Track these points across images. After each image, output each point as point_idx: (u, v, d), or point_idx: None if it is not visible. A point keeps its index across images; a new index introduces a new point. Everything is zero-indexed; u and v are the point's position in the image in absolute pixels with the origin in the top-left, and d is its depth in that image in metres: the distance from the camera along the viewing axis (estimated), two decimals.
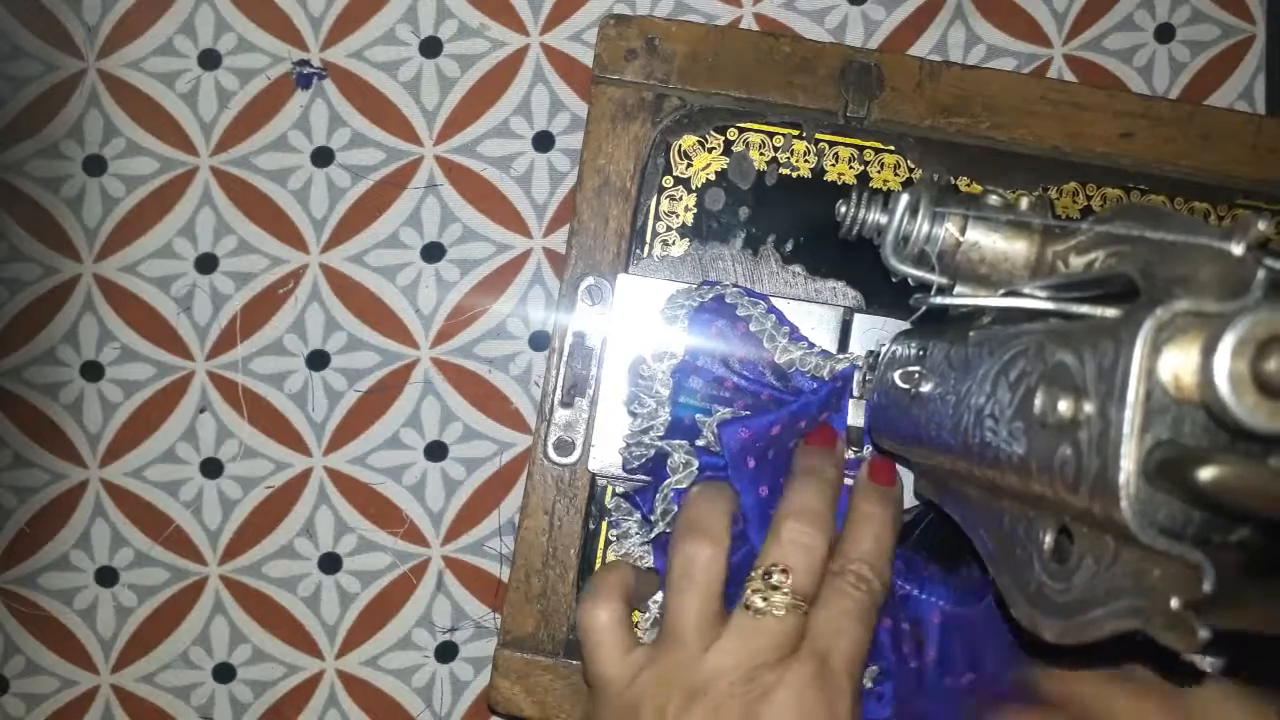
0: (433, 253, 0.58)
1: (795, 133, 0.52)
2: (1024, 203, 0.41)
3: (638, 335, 0.50)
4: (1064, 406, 0.29)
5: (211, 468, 0.58)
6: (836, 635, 0.42)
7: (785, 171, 0.52)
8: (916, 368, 0.41)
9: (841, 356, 0.48)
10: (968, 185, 0.52)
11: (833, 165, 0.52)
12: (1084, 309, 0.31)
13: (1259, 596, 0.25)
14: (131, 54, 0.57)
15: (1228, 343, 0.23)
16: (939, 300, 0.40)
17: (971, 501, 0.38)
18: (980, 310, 0.40)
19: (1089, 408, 0.27)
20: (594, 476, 0.51)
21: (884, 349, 0.46)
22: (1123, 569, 0.28)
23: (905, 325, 0.46)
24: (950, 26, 0.59)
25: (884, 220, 0.43)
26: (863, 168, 0.52)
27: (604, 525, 0.51)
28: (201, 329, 0.58)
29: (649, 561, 0.47)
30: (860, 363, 0.48)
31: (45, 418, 0.57)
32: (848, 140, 0.52)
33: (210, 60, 0.58)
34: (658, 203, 0.52)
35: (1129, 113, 0.52)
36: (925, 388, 0.40)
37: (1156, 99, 0.53)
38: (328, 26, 0.58)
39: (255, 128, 0.58)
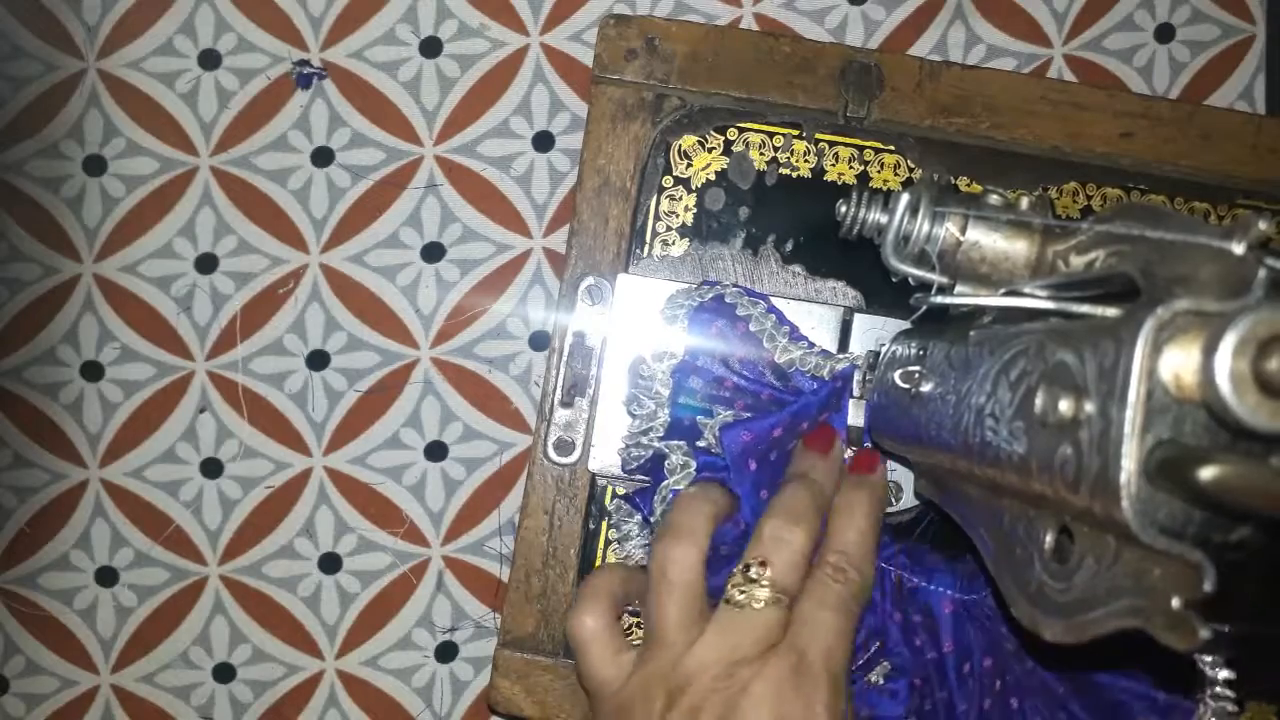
0: (433, 253, 0.58)
1: (795, 133, 0.52)
2: (1024, 202, 0.41)
3: (638, 335, 0.50)
4: (1065, 406, 0.29)
5: (211, 468, 0.58)
6: (814, 626, 0.42)
7: (785, 171, 0.52)
8: (917, 367, 0.41)
9: (841, 356, 0.48)
10: (968, 185, 0.52)
11: (833, 165, 0.52)
12: (1084, 308, 0.31)
13: (1260, 596, 0.25)
14: (131, 54, 0.57)
15: (1229, 342, 0.23)
16: (939, 300, 0.40)
17: (972, 501, 0.38)
18: (980, 310, 0.40)
19: (1090, 407, 0.27)
20: (594, 476, 0.51)
21: (884, 349, 0.46)
22: (1123, 568, 0.28)
23: (905, 325, 0.46)
24: (950, 26, 0.59)
25: (884, 220, 0.43)
26: (863, 168, 0.52)
27: (604, 525, 0.51)
28: (201, 329, 0.58)
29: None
30: (860, 362, 0.48)
31: (45, 418, 0.57)
32: (848, 140, 0.52)
33: (210, 60, 0.58)
34: (658, 203, 0.52)
35: (1129, 113, 0.52)
36: (925, 387, 0.40)
37: (1156, 99, 0.53)
38: (328, 26, 0.58)
39: (255, 128, 0.58)
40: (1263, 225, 0.27)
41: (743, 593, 0.42)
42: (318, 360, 0.58)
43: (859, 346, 0.50)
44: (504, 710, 0.51)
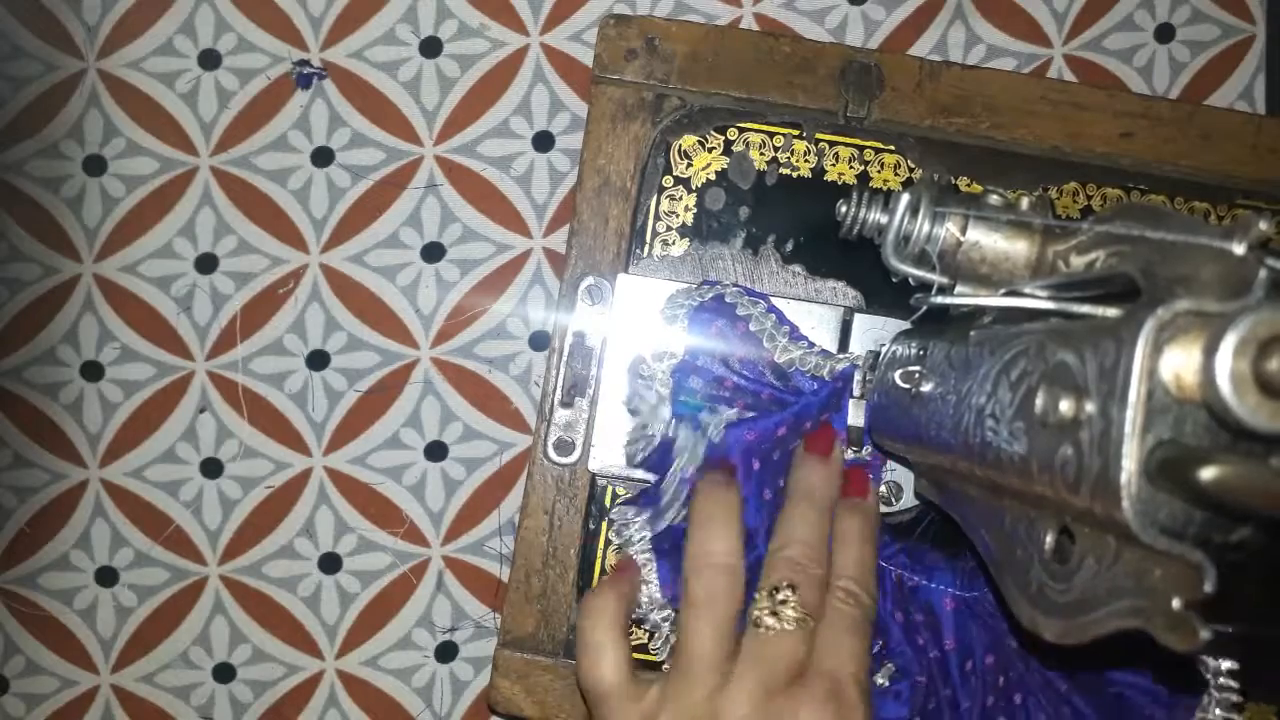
0: (433, 253, 0.58)
1: (795, 133, 0.52)
2: (1024, 203, 0.41)
3: (638, 335, 0.50)
4: (1065, 406, 0.29)
5: (211, 468, 0.58)
6: (839, 651, 0.42)
7: (785, 171, 0.52)
8: (917, 367, 0.41)
9: (841, 356, 0.48)
10: (968, 185, 0.52)
11: (833, 165, 0.52)
12: (1085, 309, 0.31)
13: (1260, 597, 0.25)
14: (131, 54, 0.57)
15: (1229, 342, 0.23)
16: (939, 300, 0.40)
17: (972, 501, 0.38)
18: (981, 310, 0.40)
19: (1090, 407, 0.27)
20: (594, 476, 0.51)
21: (884, 349, 0.46)
22: (1124, 569, 0.28)
23: (905, 325, 0.46)
24: (950, 26, 0.59)
25: (884, 220, 0.43)
26: (863, 168, 0.52)
27: (604, 525, 0.51)
28: (201, 329, 0.58)
29: (653, 568, 0.47)
30: (860, 362, 0.48)
31: (45, 418, 0.57)
32: (848, 140, 0.52)
33: (210, 60, 0.58)
34: (658, 203, 0.52)
35: (1129, 113, 0.52)
36: (926, 387, 0.40)
37: (1156, 99, 0.53)
38: (328, 26, 0.58)
39: (255, 128, 0.58)
40: (1263, 225, 0.27)
41: (772, 615, 0.42)
42: (318, 360, 0.58)
43: (859, 346, 0.50)
44: (504, 710, 0.51)
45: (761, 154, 0.52)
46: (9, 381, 0.57)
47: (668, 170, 0.52)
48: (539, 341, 0.58)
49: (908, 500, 0.49)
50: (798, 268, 0.52)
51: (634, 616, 0.48)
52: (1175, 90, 0.60)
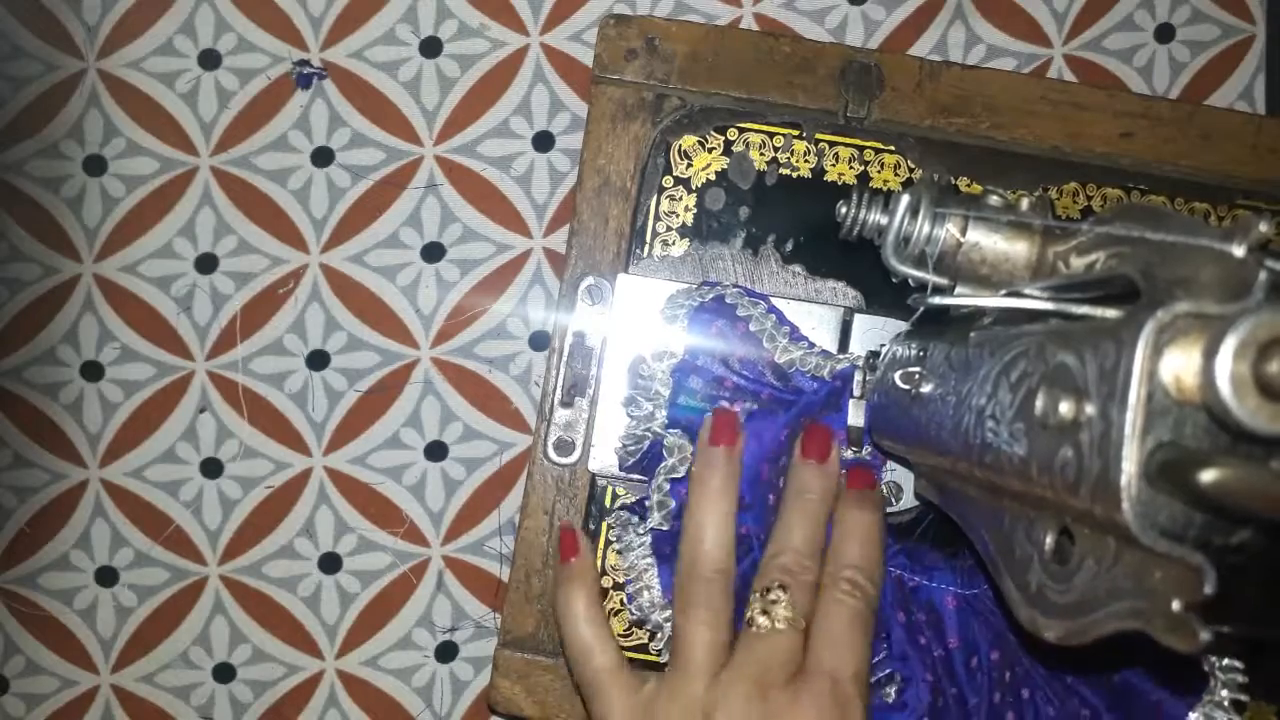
0: (433, 253, 0.58)
1: (795, 133, 0.52)
2: (1024, 203, 0.41)
3: (638, 335, 0.50)
4: (1065, 408, 0.29)
5: (211, 468, 0.58)
6: (838, 646, 0.43)
7: (785, 171, 0.52)
8: (917, 368, 0.41)
9: (841, 357, 0.48)
10: (968, 185, 0.52)
11: (833, 165, 0.52)
12: (1085, 310, 0.31)
13: (1260, 599, 0.25)
14: (131, 54, 0.57)
15: (1229, 345, 0.23)
16: (939, 301, 0.40)
17: (972, 502, 0.38)
18: (981, 311, 0.40)
19: (1090, 409, 0.27)
20: (594, 476, 0.51)
21: (884, 349, 0.46)
22: (1124, 570, 0.28)
23: (905, 326, 0.46)
24: (950, 26, 0.59)
25: (884, 221, 0.43)
26: (863, 168, 0.52)
27: (604, 525, 0.51)
28: (201, 329, 0.58)
29: (653, 573, 0.47)
30: (860, 363, 0.48)
31: (45, 418, 0.57)
32: (848, 140, 0.52)
33: (210, 60, 0.58)
34: (658, 203, 0.52)
35: (1129, 113, 0.52)
36: (926, 388, 0.40)
37: (1156, 99, 0.53)
38: (328, 26, 0.58)
39: (255, 128, 0.58)
40: (1263, 227, 0.27)
41: (765, 614, 0.43)
42: (318, 360, 0.58)
43: (859, 346, 0.50)
44: (504, 710, 0.51)
45: (761, 154, 0.52)
46: (9, 381, 0.57)
47: (668, 170, 0.52)
48: (539, 341, 0.58)
49: (908, 500, 0.49)
50: (798, 268, 0.52)
51: (634, 619, 0.48)
52: (1175, 90, 0.60)
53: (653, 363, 0.49)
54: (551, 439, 0.51)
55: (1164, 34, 0.60)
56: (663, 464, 0.48)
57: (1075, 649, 0.30)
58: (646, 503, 0.48)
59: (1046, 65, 0.60)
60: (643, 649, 0.50)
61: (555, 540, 0.51)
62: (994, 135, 0.52)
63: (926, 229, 0.41)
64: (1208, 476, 0.24)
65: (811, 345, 0.49)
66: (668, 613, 0.47)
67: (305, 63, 0.58)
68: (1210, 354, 0.23)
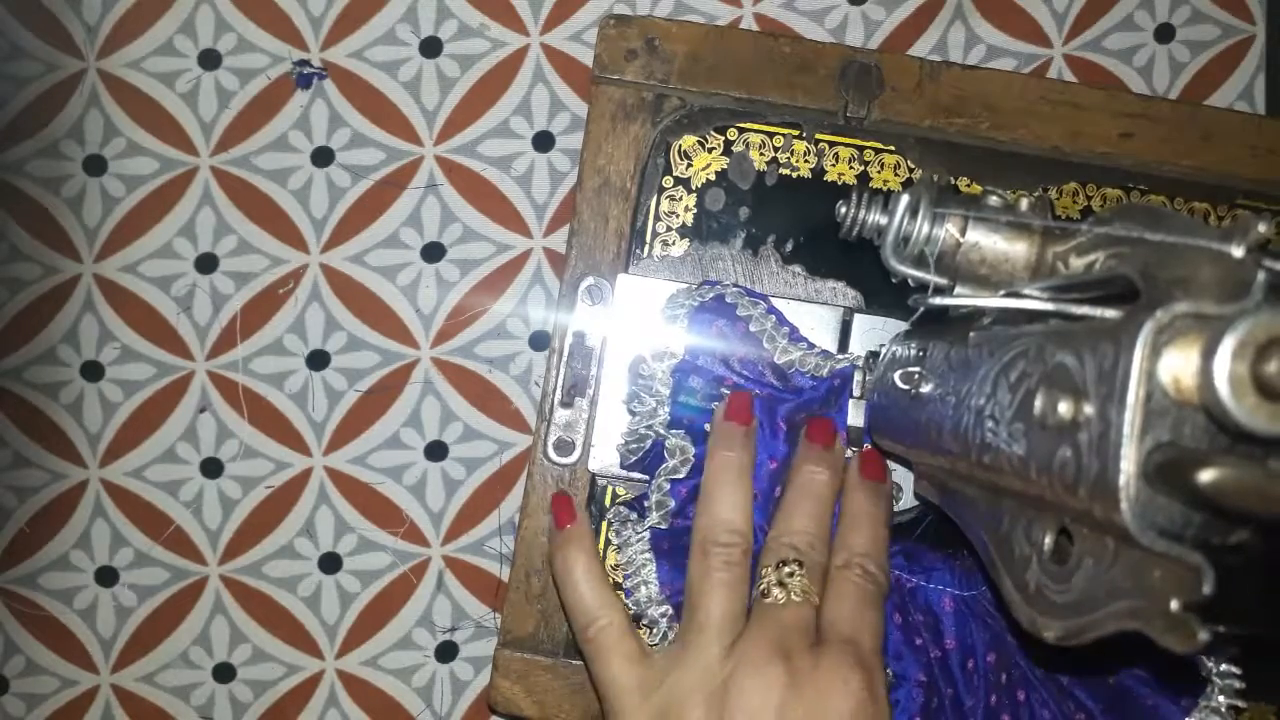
0: (433, 253, 0.58)
1: (795, 133, 0.52)
2: (1024, 203, 0.41)
3: (638, 335, 0.50)
4: (1064, 408, 0.29)
5: (211, 468, 0.58)
6: (859, 621, 0.42)
7: (785, 171, 0.52)
8: (916, 368, 0.41)
9: (841, 357, 0.48)
10: (968, 185, 0.52)
11: (833, 165, 0.52)
12: (1084, 310, 0.31)
13: (1259, 599, 0.25)
14: (131, 54, 0.57)
15: (1227, 345, 0.23)
16: (938, 301, 0.40)
17: (971, 502, 0.38)
18: (980, 311, 0.40)
19: (1089, 409, 0.27)
20: (594, 476, 0.51)
21: (884, 349, 0.46)
22: (1122, 570, 0.28)
23: (905, 325, 0.46)
24: (950, 26, 0.59)
25: (884, 221, 0.43)
26: (863, 168, 0.52)
27: (604, 525, 0.51)
28: (201, 329, 0.58)
29: (651, 569, 0.47)
30: (859, 363, 0.48)
31: (45, 418, 0.57)
32: (848, 140, 0.52)
33: (210, 60, 0.58)
34: (658, 203, 0.52)
35: (1129, 113, 0.52)
36: (925, 388, 0.40)
37: (1156, 99, 0.53)
38: (328, 26, 0.58)
39: (255, 128, 0.58)
40: (1262, 228, 0.27)
41: (780, 585, 0.43)
42: (318, 360, 0.58)
43: (859, 346, 0.50)
44: (504, 710, 0.51)
45: (761, 154, 0.52)
46: (9, 381, 0.57)
47: (668, 170, 0.52)
48: (539, 341, 0.58)
49: (907, 500, 0.49)
50: (797, 268, 0.52)
51: (632, 613, 0.48)
52: (1175, 90, 0.60)
53: (653, 362, 0.49)
54: (551, 439, 0.51)
55: (1164, 34, 0.60)
56: (664, 465, 0.48)
57: (1074, 651, 0.30)
58: (646, 501, 0.48)
59: (1046, 65, 0.60)
60: None
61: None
62: (994, 135, 0.52)
63: (926, 229, 0.41)
64: (1206, 477, 0.24)
65: (811, 346, 0.49)
66: (665, 607, 0.47)
67: (305, 63, 0.58)
68: (1208, 354, 0.23)
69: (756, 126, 0.52)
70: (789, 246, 0.52)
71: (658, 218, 0.52)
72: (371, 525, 0.58)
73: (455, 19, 0.58)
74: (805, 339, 0.49)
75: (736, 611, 0.43)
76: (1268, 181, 0.52)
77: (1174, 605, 0.25)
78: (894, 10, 0.59)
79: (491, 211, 0.58)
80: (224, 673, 0.58)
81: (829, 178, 0.52)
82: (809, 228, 0.52)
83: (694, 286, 0.50)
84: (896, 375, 0.42)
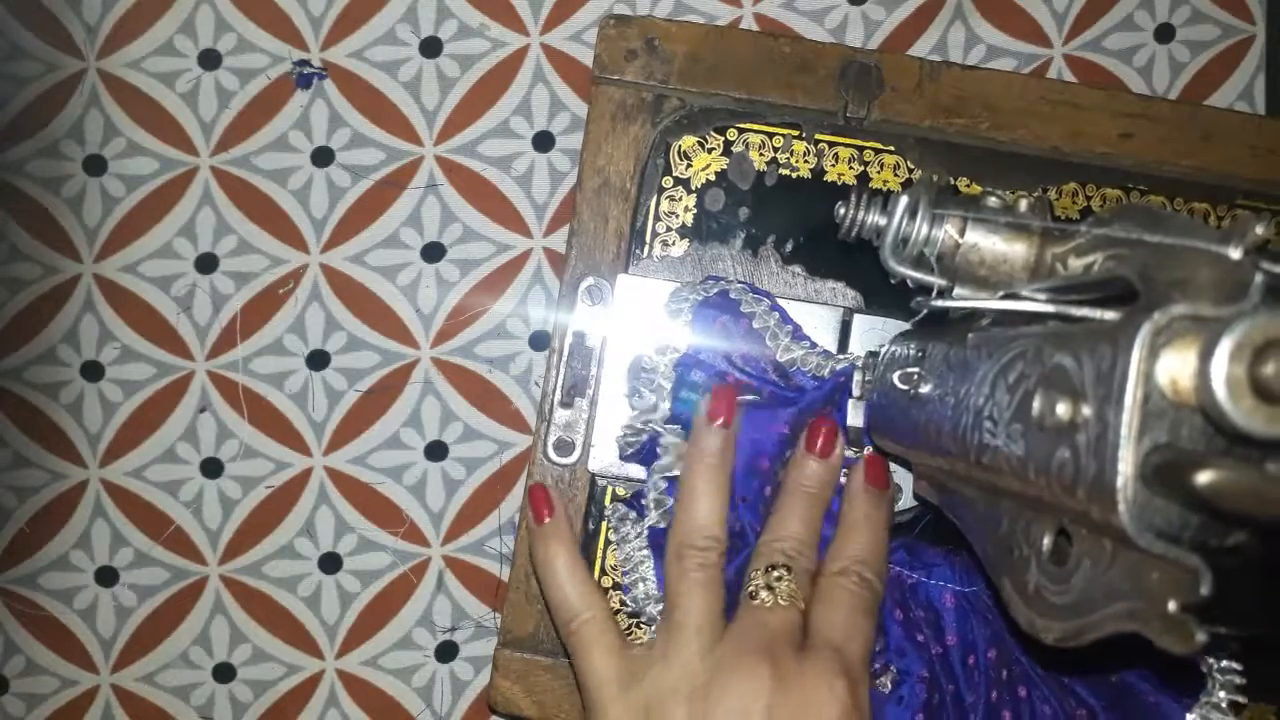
0: (433, 253, 0.58)
1: (795, 133, 0.52)
2: (1023, 204, 0.41)
3: (638, 335, 0.50)
4: (1062, 409, 0.29)
5: (211, 468, 0.58)
6: (848, 629, 0.42)
7: (785, 172, 0.52)
8: (915, 369, 0.41)
9: (843, 357, 0.48)
10: (967, 186, 0.52)
11: (832, 165, 0.52)
12: (1083, 312, 0.31)
13: (1256, 600, 0.25)
14: (131, 54, 0.57)
15: (1225, 347, 0.23)
16: (940, 304, 0.40)
17: (970, 503, 0.38)
18: (979, 312, 0.40)
19: (1087, 411, 0.28)
20: (594, 476, 0.51)
21: (883, 350, 0.46)
22: (1120, 572, 0.28)
23: (905, 325, 0.46)
24: (950, 26, 0.59)
25: (883, 222, 0.43)
26: (862, 168, 0.52)
27: (604, 525, 0.51)
28: (201, 329, 0.58)
29: (648, 565, 0.47)
30: (860, 363, 0.48)
31: (45, 418, 0.57)
32: (848, 140, 0.52)
33: (210, 60, 0.58)
34: (657, 203, 0.52)
35: (1129, 113, 0.52)
36: (924, 389, 0.40)
37: (1156, 99, 0.53)
38: (328, 26, 0.58)
39: (255, 128, 0.58)
40: (1260, 229, 0.27)
41: (769, 589, 0.43)
42: (318, 360, 0.58)
43: (859, 347, 0.50)
44: (504, 710, 0.51)
45: (761, 154, 0.52)
46: (9, 381, 0.57)
47: (667, 171, 0.52)
48: (539, 341, 0.58)
49: (906, 501, 0.49)
50: (797, 268, 0.52)
51: (630, 610, 0.48)
52: (1175, 90, 0.60)
53: (655, 356, 0.49)
54: (551, 439, 0.51)
55: (1164, 34, 0.60)
56: (658, 462, 0.48)
57: (1073, 651, 0.30)
58: (643, 499, 0.48)
59: (1046, 65, 0.60)
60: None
61: None
62: (994, 135, 0.52)
63: (925, 230, 0.41)
64: (1203, 478, 0.24)
65: (813, 345, 0.49)
66: (662, 605, 0.47)
67: (305, 63, 0.58)
68: (1206, 356, 0.23)
69: (756, 127, 0.52)
70: (789, 247, 0.52)
71: (657, 218, 0.52)
72: (371, 525, 0.58)
73: (455, 19, 0.58)
74: (808, 338, 0.49)
75: (715, 611, 0.43)
76: (1268, 181, 0.52)
77: (1172, 607, 0.25)
78: (894, 10, 0.59)
79: (491, 211, 0.58)
80: (224, 673, 0.59)
81: (829, 178, 0.52)
82: (809, 228, 0.52)
83: (699, 282, 0.50)
84: (895, 376, 0.42)
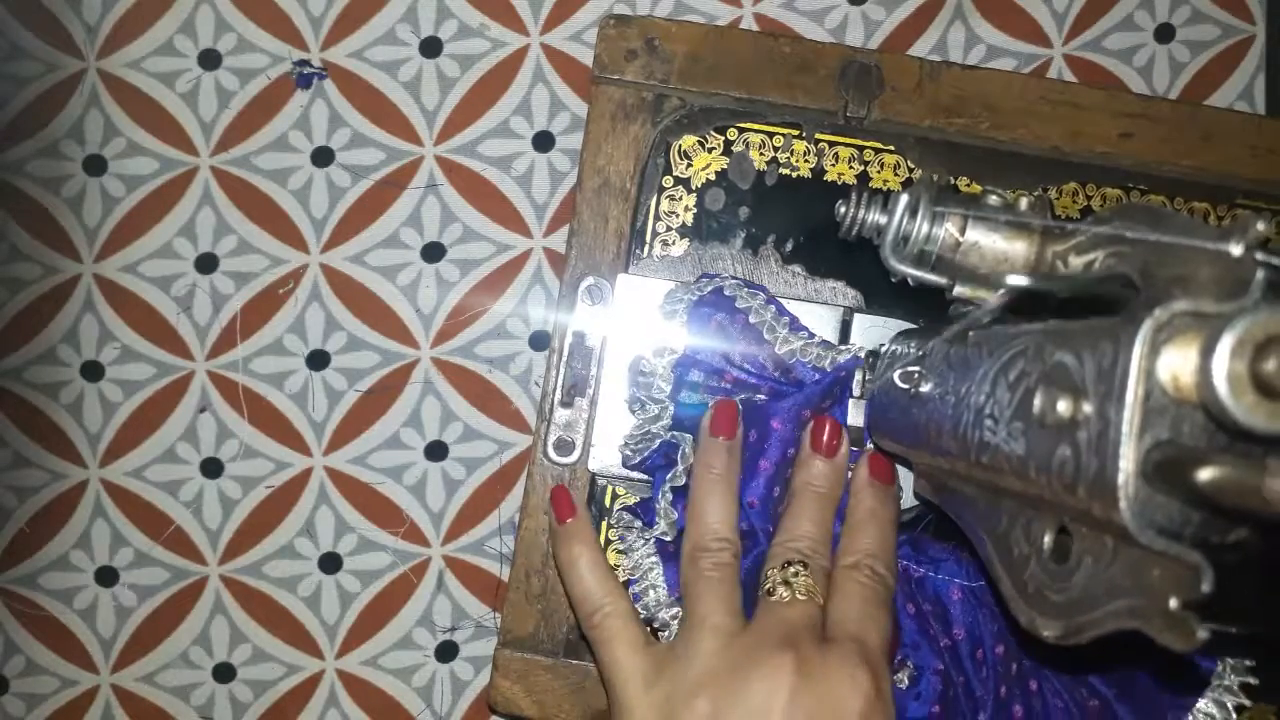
0: (433, 253, 0.58)
1: (795, 133, 0.52)
2: (1023, 203, 0.41)
3: (638, 335, 0.50)
4: (1063, 407, 0.29)
5: (211, 468, 0.58)
6: (865, 621, 0.42)
7: (785, 171, 0.52)
8: (916, 367, 0.41)
9: (843, 347, 0.48)
10: (968, 185, 0.52)
11: (833, 165, 0.52)
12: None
13: (1258, 597, 0.25)
14: (131, 54, 0.57)
15: (1226, 344, 0.23)
16: (967, 293, 0.40)
17: (971, 502, 0.38)
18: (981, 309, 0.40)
19: (1088, 408, 0.27)
20: (594, 476, 0.51)
21: (884, 349, 0.46)
22: (1121, 569, 0.28)
23: (904, 325, 0.46)
24: (950, 26, 0.59)
25: (884, 221, 0.43)
26: (863, 168, 0.52)
27: (604, 525, 0.51)
28: (201, 329, 0.58)
29: (658, 572, 0.47)
30: (861, 353, 0.48)
31: (45, 418, 0.57)
32: (848, 140, 0.52)
33: (210, 60, 0.58)
34: (658, 203, 0.52)
35: (1129, 113, 0.52)
36: (925, 387, 0.40)
37: (1156, 99, 0.53)
38: (328, 26, 0.58)
39: (255, 128, 0.58)
40: (1260, 226, 0.27)
41: (786, 585, 0.43)
42: (318, 360, 0.58)
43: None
44: (504, 710, 0.51)
45: (761, 154, 0.52)
46: (9, 381, 0.57)
47: (668, 170, 0.52)
48: (539, 341, 0.58)
49: (907, 500, 0.49)
50: (797, 268, 0.52)
51: (643, 618, 0.48)
52: (1175, 90, 0.60)
53: (653, 359, 0.49)
54: (551, 439, 0.51)
55: (1164, 34, 0.60)
56: (668, 473, 0.48)
57: (1075, 649, 0.30)
58: (654, 505, 0.48)
59: (1046, 65, 0.60)
60: None
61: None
62: (994, 135, 0.52)
63: (925, 228, 0.41)
64: (1204, 475, 0.24)
65: (812, 335, 0.49)
66: (674, 610, 0.47)
67: (305, 63, 0.58)
68: (1207, 352, 0.23)
69: (756, 126, 0.52)
70: (789, 246, 0.52)
71: (658, 218, 0.52)
72: (371, 525, 0.58)
73: (455, 19, 0.58)
74: (806, 328, 0.49)
75: (734, 607, 0.43)
76: (1268, 181, 0.52)
77: (1173, 603, 0.25)
78: (894, 10, 0.59)
79: (491, 211, 0.58)
80: (224, 673, 0.58)
81: (829, 178, 0.52)
82: (809, 227, 0.52)
83: (692, 281, 0.50)
84: (896, 374, 0.42)
